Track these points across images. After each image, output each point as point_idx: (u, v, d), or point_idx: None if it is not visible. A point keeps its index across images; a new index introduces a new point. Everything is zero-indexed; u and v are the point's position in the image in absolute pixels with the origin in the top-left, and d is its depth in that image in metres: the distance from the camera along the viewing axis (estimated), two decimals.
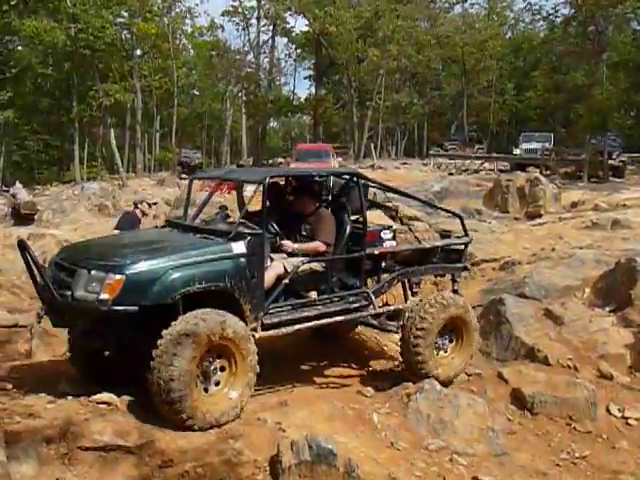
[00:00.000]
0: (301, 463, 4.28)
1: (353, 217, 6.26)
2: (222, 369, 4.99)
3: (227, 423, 4.84)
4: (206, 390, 4.87)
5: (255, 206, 6.03)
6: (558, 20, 37.29)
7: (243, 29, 42.31)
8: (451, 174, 24.17)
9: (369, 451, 4.95)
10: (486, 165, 27.20)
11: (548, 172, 22.94)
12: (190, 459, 4.36)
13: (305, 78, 52.34)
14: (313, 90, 44.50)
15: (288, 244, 5.88)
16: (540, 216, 14.53)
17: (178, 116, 34.74)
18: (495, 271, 9.49)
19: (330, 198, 6.65)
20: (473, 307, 8.17)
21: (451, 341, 6.48)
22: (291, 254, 5.87)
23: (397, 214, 6.90)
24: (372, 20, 37.89)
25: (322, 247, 5.92)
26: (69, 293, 4.80)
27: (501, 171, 24.51)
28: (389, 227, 6.62)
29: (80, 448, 4.28)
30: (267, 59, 44.11)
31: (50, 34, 27.73)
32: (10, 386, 5.38)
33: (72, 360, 5.79)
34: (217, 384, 4.96)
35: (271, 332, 5.39)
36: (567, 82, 39.12)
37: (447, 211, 8.05)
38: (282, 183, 6.68)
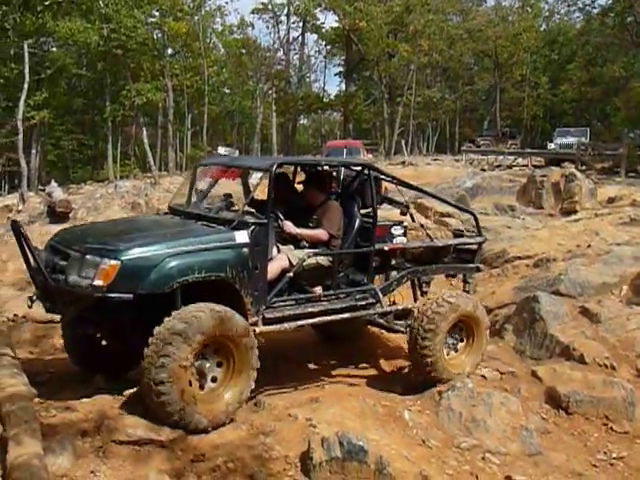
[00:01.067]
0: (332, 460, 4.27)
1: (364, 211, 6.08)
2: (219, 365, 4.82)
3: (223, 425, 4.69)
4: (202, 388, 4.70)
5: (262, 195, 5.81)
6: (595, 11, 36.63)
7: (273, 26, 42.43)
8: (483, 170, 23.86)
9: (400, 448, 4.91)
10: (519, 161, 26.81)
11: (584, 167, 22.50)
12: (221, 454, 4.40)
13: (335, 75, 52.46)
14: (343, 86, 44.41)
15: (289, 225, 5.64)
16: (575, 212, 14.25)
17: (209, 114, 35.00)
18: (529, 268, 9.33)
19: (340, 190, 6.47)
20: (506, 305, 8.13)
21: (461, 340, 6.32)
22: (297, 245, 5.71)
23: (408, 210, 6.66)
24: (403, 15, 37.60)
25: (324, 236, 5.73)
26: (62, 277, 4.64)
27: (535, 167, 24.15)
28: (400, 223, 6.41)
29: (114, 442, 4.34)
30: (297, 56, 44.16)
31: (83, 35, 28.14)
32: (46, 380, 5.48)
33: (66, 347, 5.69)
34: (214, 381, 4.79)
35: (273, 327, 5.20)
36: (604, 75, 38.36)
37: (460, 208, 7.93)
38: (290, 174, 6.51)
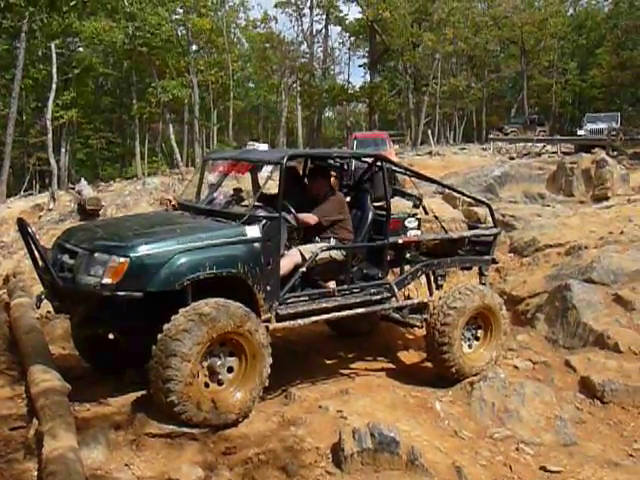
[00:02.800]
0: (363, 451, 4.25)
1: (377, 204, 5.96)
2: (231, 360, 4.70)
3: (235, 425, 4.62)
4: (207, 385, 4.58)
5: (270, 189, 5.79)
6: None
7: (296, 19, 42.44)
8: (512, 158, 23.53)
9: (432, 439, 4.88)
10: (548, 148, 26.36)
11: (615, 153, 22.02)
12: (253, 446, 4.41)
13: (360, 66, 52.12)
14: (368, 78, 44.20)
15: (303, 215, 5.54)
16: (607, 199, 13.96)
17: (234, 109, 35.11)
18: (560, 256, 9.18)
19: (352, 183, 6.36)
20: (537, 294, 8.01)
21: (479, 334, 6.21)
22: (310, 241, 5.61)
23: (421, 202, 6.49)
24: (427, 3, 37.24)
25: (311, 220, 5.60)
26: (70, 276, 4.54)
27: (565, 153, 23.72)
28: (414, 215, 6.26)
29: (147, 434, 4.39)
30: (321, 49, 44.07)
31: (109, 34, 28.49)
32: (80, 375, 5.56)
33: (76, 346, 5.63)
34: (221, 383, 4.65)
35: (286, 323, 5.12)
36: (634, 58, 37.48)
37: (474, 199, 7.78)
38: (300, 166, 6.40)
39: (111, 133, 39.05)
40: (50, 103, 20.91)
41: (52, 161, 20.06)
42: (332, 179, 6.33)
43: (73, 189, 17.06)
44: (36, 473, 3.66)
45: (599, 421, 5.81)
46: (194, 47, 33.18)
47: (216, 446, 4.38)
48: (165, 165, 33.39)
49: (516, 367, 6.63)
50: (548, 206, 13.15)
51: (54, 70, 21.37)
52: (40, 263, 4.74)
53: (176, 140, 26.60)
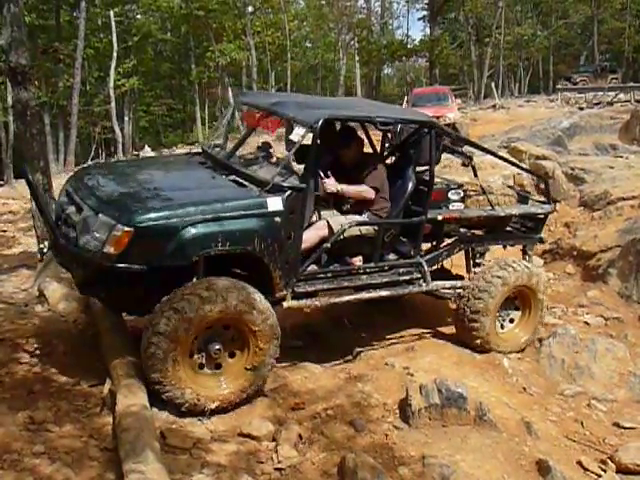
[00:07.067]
0: (431, 406, 4.26)
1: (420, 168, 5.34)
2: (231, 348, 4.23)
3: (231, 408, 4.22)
4: (201, 367, 4.15)
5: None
6: None
7: None
8: (581, 109, 22.54)
9: (500, 396, 4.85)
10: (621, 96, 25.07)
11: None
12: (320, 401, 4.48)
13: (419, 19, 50.74)
14: (427, 31, 42.93)
15: (330, 183, 5.00)
16: None
17: (292, 70, 34.92)
18: (634, 209, 8.78)
19: (394, 147, 5.90)
20: (609, 249, 7.72)
21: (517, 309, 5.74)
22: (339, 210, 5.14)
23: (471, 161, 5.87)
24: None
25: (370, 193, 5.08)
26: (73, 235, 4.16)
27: (639, 102, 22.55)
28: (460, 186, 5.68)
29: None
30: (378, 3, 43.10)
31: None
32: None
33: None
34: (218, 367, 4.21)
35: (302, 302, 4.67)
36: None
37: (527, 171, 7.28)
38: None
39: (172, 99, 39.64)
40: (112, 71, 21.37)
41: (116, 129, 20.59)
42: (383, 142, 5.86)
43: (137, 156, 17.48)
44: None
45: None
46: (250, 8, 32.98)
47: (285, 402, 4.47)
48: None
49: (587, 323, 6.46)
50: (621, 157, 12.56)
51: (114, 38, 21.76)
52: (43, 218, 4.38)
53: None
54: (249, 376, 4.20)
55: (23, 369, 4.40)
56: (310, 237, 4.75)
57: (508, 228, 6.08)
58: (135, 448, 3.34)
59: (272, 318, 4.22)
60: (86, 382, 4.32)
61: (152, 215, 3.99)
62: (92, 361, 4.52)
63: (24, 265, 6.89)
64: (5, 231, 10.21)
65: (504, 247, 6.35)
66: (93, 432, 3.76)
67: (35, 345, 4.70)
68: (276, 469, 3.73)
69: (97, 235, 3.99)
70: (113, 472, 3.37)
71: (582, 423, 4.79)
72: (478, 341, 5.46)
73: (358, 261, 5.08)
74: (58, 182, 6.36)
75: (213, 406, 4.09)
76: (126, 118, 32.45)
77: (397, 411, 4.41)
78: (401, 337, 5.80)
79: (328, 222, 4.91)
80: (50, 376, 4.35)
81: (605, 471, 4.18)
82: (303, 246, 4.60)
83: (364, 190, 5.09)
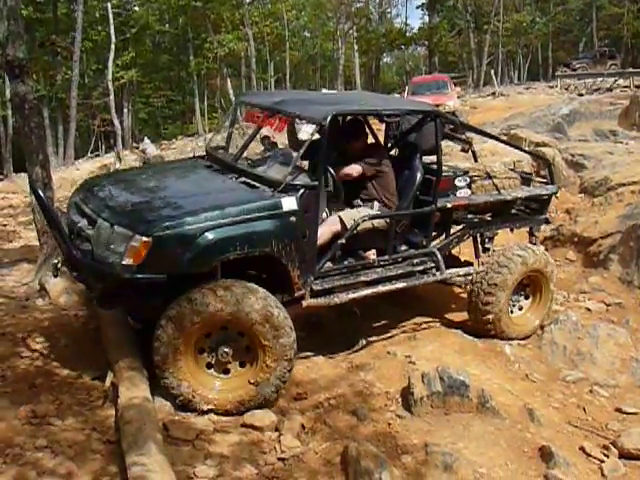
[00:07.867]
0: (433, 394, 4.26)
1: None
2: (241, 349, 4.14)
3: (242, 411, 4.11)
4: (209, 367, 4.13)
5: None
6: None
7: None
8: (581, 95, 22.46)
9: (503, 383, 4.85)
10: (620, 82, 24.95)
11: None
12: (323, 390, 4.49)
13: (417, 7, 50.21)
14: (426, 19, 42.73)
15: (354, 167, 5.09)
16: None
17: (291, 60, 34.81)
18: (635, 195, 8.76)
19: (398, 137, 5.84)
20: (610, 235, 7.71)
21: (527, 298, 5.79)
22: (349, 204, 5.16)
23: (470, 147, 5.94)
24: None
25: (354, 172, 5.09)
26: (88, 248, 4.08)
27: (638, 87, 22.44)
28: (465, 172, 5.73)
29: None
30: None
31: None
32: None
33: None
34: (226, 372, 4.16)
35: (321, 300, 4.65)
36: None
37: (530, 153, 7.29)
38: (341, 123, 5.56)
39: (171, 91, 39.54)
40: (110, 64, 21.28)
41: (115, 121, 20.52)
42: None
43: (137, 148, 17.48)
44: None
45: None
46: None
47: (287, 392, 4.47)
48: None
49: (588, 309, 6.45)
50: (621, 143, 12.52)
51: (112, 31, 21.64)
52: (53, 233, 4.31)
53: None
54: (250, 390, 4.09)
55: (25, 363, 4.42)
56: (323, 233, 4.75)
57: (513, 211, 6.13)
58: (138, 440, 3.35)
59: (286, 338, 4.08)
60: (88, 375, 4.33)
61: (169, 223, 3.96)
62: (94, 354, 4.53)
63: (25, 259, 6.90)
64: (5, 225, 10.22)
65: (511, 230, 6.40)
66: (95, 425, 3.76)
67: (37, 339, 4.71)
68: (279, 459, 3.73)
69: (114, 247, 3.94)
70: (116, 465, 3.38)
71: (584, 409, 4.79)
72: (490, 317, 5.45)
73: (372, 254, 5.10)
74: (58, 175, 6.35)
75: (205, 408, 4.04)
76: (125, 110, 32.36)
77: (399, 400, 4.41)
78: (403, 325, 5.79)
79: (340, 217, 4.93)
80: (52, 370, 4.36)
81: (608, 456, 4.18)
82: (318, 243, 4.60)
83: (350, 168, 5.11)
